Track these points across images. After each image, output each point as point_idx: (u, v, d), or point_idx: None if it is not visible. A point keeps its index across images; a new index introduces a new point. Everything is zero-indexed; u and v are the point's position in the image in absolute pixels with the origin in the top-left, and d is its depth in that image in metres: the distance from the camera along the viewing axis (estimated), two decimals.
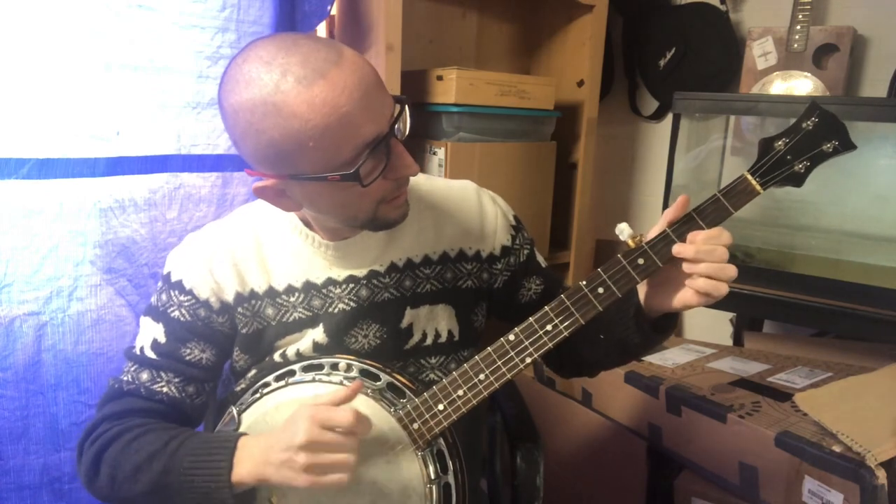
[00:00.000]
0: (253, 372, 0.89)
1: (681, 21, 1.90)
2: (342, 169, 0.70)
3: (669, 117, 1.98)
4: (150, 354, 0.85)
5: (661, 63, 1.94)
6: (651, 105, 2.08)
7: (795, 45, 1.62)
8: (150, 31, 1.10)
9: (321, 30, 1.41)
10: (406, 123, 0.76)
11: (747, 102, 1.46)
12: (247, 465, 0.75)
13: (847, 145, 0.74)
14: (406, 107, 0.75)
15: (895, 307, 1.29)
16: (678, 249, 0.75)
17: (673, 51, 1.91)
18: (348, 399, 0.75)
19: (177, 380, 0.85)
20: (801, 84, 1.63)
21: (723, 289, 0.75)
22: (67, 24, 1.02)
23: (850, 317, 1.33)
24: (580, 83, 1.77)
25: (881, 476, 0.98)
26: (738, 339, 1.79)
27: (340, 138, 0.69)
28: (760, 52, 1.68)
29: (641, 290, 0.83)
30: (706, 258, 0.74)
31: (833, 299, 1.35)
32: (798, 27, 1.60)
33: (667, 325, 0.85)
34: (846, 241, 1.45)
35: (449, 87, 1.44)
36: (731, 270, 0.74)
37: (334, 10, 1.39)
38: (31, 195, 1.04)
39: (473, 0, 1.83)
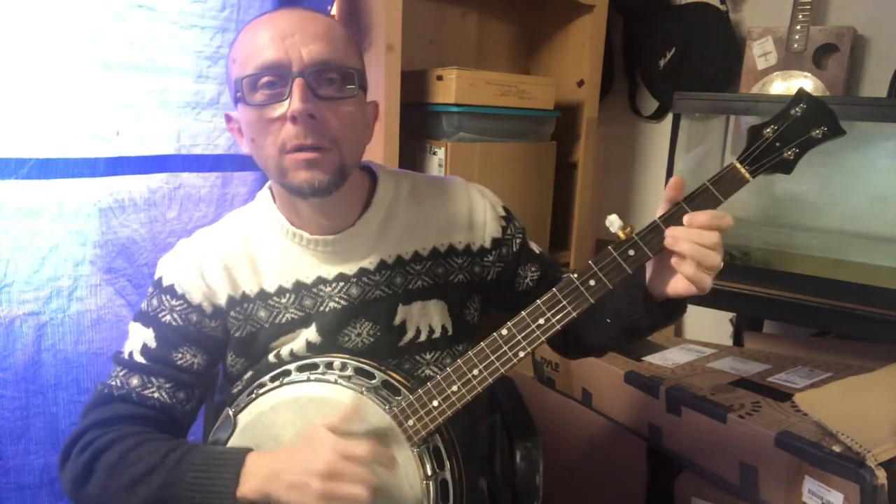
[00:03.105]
0: (249, 374, 0.89)
1: (681, 21, 1.90)
2: (238, 93, 0.78)
3: (669, 117, 1.98)
4: (140, 359, 0.85)
5: (661, 63, 1.94)
6: (651, 105, 2.08)
7: (795, 45, 1.62)
8: (150, 31, 1.10)
9: None
10: (339, 92, 0.79)
11: (747, 102, 1.46)
12: (252, 482, 0.75)
13: (836, 130, 0.74)
14: (348, 80, 0.79)
15: (895, 307, 1.29)
16: (669, 233, 0.74)
17: (673, 51, 1.90)
18: (354, 413, 0.78)
19: (168, 385, 0.85)
20: (801, 84, 1.62)
21: (706, 280, 0.74)
22: (67, 25, 1.02)
23: (850, 317, 1.33)
24: (580, 83, 1.77)
25: (881, 476, 0.98)
26: (738, 339, 1.78)
27: (249, 54, 0.77)
28: (760, 52, 1.68)
29: (647, 274, 0.83)
30: (694, 240, 0.73)
31: (833, 299, 1.35)
32: (798, 27, 1.60)
33: (677, 308, 0.84)
34: (846, 241, 1.45)
35: (449, 87, 1.44)
36: (714, 259, 0.73)
37: (334, 10, 1.39)
38: (31, 195, 1.04)
39: (473, 0, 1.83)
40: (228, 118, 0.87)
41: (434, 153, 1.50)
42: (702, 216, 0.73)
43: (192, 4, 1.12)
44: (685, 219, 0.74)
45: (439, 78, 1.46)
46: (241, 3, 1.18)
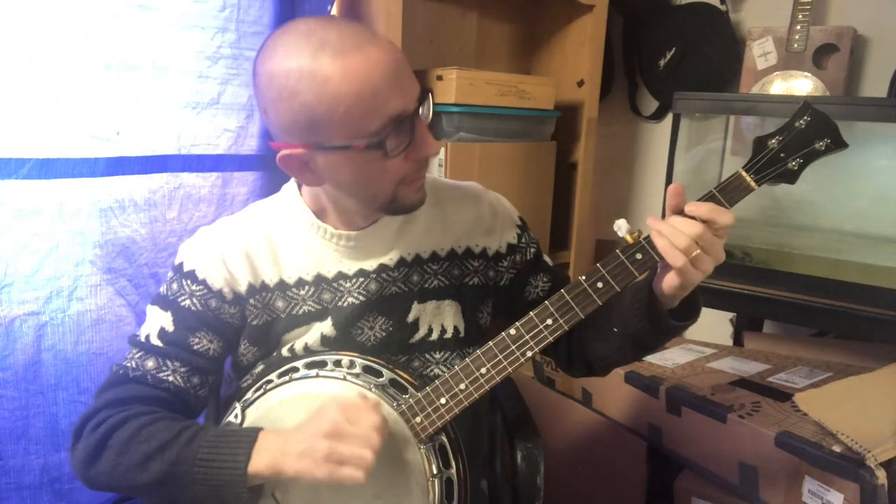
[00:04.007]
0: (260, 367, 0.90)
1: (681, 21, 1.91)
2: (368, 138, 0.74)
3: (669, 117, 1.98)
4: (157, 342, 0.85)
5: (661, 63, 1.94)
6: (651, 105, 2.08)
7: (795, 45, 1.62)
8: (150, 31, 1.10)
9: None
10: (430, 109, 0.80)
11: (747, 102, 1.46)
12: (265, 457, 0.75)
13: (839, 143, 0.76)
14: (430, 95, 0.79)
15: (895, 307, 1.29)
16: (650, 221, 0.77)
17: (673, 51, 1.91)
18: (367, 406, 0.77)
19: (183, 369, 0.85)
20: (801, 84, 1.63)
21: (678, 258, 0.74)
22: (67, 25, 1.02)
23: (850, 317, 1.33)
24: (580, 83, 1.77)
25: (881, 476, 0.98)
26: (738, 339, 1.79)
27: (370, 107, 0.73)
28: (760, 52, 1.68)
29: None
30: (667, 235, 0.75)
31: (833, 299, 1.35)
32: (798, 27, 1.60)
33: (687, 314, 0.85)
34: (846, 241, 1.45)
35: (449, 87, 1.44)
36: (680, 239, 0.74)
37: (334, 10, 1.39)
38: (31, 195, 1.04)
39: (473, 0, 1.83)
40: (291, 158, 0.78)
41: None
42: (702, 207, 0.76)
43: (192, 4, 1.12)
44: (686, 207, 0.76)
45: (439, 78, 1.46)
46: (240, 3, 1.18)
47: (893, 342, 1.39)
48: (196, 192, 1.22)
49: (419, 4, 1.68)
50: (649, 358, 1.46)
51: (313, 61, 0.72)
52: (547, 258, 1.03)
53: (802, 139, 0.77)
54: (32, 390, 1.10)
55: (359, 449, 0.73)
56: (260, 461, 0.75)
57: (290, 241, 0.89)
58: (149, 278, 1.18)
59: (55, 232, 1.07)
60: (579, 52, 1.77)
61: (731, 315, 1.87)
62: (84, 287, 1.11)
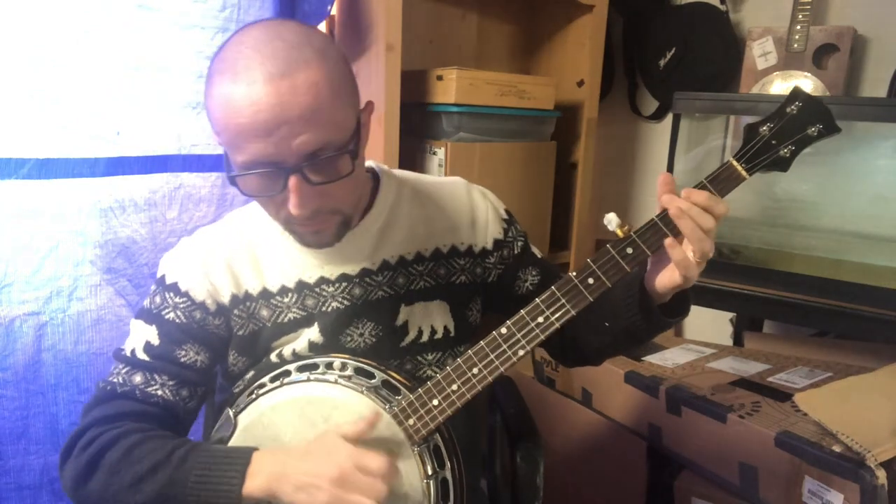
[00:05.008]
0: (251, 374, 0.89)
1: (681, 21, 1.91)
2: (230, 168, 0.75)
3: (669, 117, 1.98)
4: (143, 357, 0.84)
5: (661, 63, 1.94)
6: (651, 105, 2.08)
7: (795, 45, 1.62)
8: (150, 31, 1.10)
9: (321, 29, 1.41)
10: (336, 172, 0.74)
11: (747, 102, 1.46)
12: (258, 480, 0.75)
13: (831, 128, 0.75)
14: (344, 156, 0.74)
15: (895, 307, 1.29)
16: (675, 204, 0.74)
17: (673, 51, 1.91)
18: (370, 427, 0.77)
19: (171, 382, 0.84)
20: (801, 84, 1.62)
21: (692, 269, 0.74)
22: (67, 25, 1.03)
23: (850, 317, 1.33)
24: (580, 83, 1.77)
25: (881, 476, 0.98)
26: (738, 339, 1.79)
27: (232, 143, 0.72)
28: (760, 52, 1.68)
29: (645, 275, 0.83)
30: (695, 219, 0.73)
31: (833, 299, 1.35)
32: (798, 27, 1.60)
33: (679, 309, 0.84)
34: (846, 241, 1.45)
35: (449, 87, 1.44)
36: (706, 245, 0.73)
37: (334, 10, 1.39)
38: (31, 195, 1.04)
39: (473, 0, 1.83)
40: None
41: (434, 153, 1.50)
42: (699, 194, 0.74)
43: (192, 4, 1.13)
44: (683, 191, 0.74)
45: (439, 78, 1.46)
46: (240, 3, 1.18)
47: (893, 342, 1.39)
48: (196, 192, 1.22)
49: (419, 4, 1.68)
50: (649, 358, 1.46)
51: (218, 74, 0.71)
52: (535, 250, 1.02)
53: (794, 125, 0.75)
54: (32, 390, 1.10)
55: (363, 499, 0.72)
56: (254, 484, 0.75)
57: (270, 248, 0.88)
58: (149, 278, 1.18)
59: (55, 232, 1.07)
60: (579, 52, 1.77)
61: (731, 315, 1.87)
62: (84, 287, 1.11)
